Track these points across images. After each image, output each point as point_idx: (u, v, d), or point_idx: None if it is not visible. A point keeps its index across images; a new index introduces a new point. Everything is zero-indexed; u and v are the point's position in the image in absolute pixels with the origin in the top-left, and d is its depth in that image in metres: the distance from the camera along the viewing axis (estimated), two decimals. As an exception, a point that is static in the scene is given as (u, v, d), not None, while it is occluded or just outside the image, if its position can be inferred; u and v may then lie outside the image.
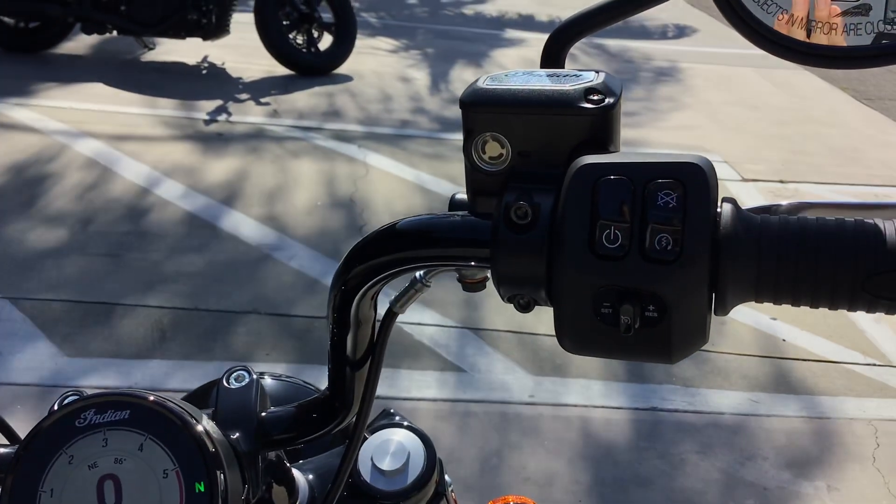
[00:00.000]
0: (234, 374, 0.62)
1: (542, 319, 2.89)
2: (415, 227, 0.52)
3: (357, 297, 0.55)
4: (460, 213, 0.51)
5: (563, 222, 0.44)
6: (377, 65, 5.84)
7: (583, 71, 0.49)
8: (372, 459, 0.70)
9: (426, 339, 2.74)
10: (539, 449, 2.29)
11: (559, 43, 0.58)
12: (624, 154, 0.45)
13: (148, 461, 0.50)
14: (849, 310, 0.42)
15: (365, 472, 0.69)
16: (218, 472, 0.50)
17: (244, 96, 4.96)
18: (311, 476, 0.69)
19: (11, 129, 4.17)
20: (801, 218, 0.43)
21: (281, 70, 5.35)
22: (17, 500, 0.50)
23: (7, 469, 0.51)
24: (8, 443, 0.63)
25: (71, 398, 0.53)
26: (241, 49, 5.68)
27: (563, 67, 0.55)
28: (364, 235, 0.54)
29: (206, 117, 4.57)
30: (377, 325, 0.59)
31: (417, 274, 0.58)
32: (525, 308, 0.48)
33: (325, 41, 5.43)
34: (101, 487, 0.49)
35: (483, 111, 0.48)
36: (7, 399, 2.31)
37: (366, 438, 0.72)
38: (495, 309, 2.92)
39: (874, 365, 2.78)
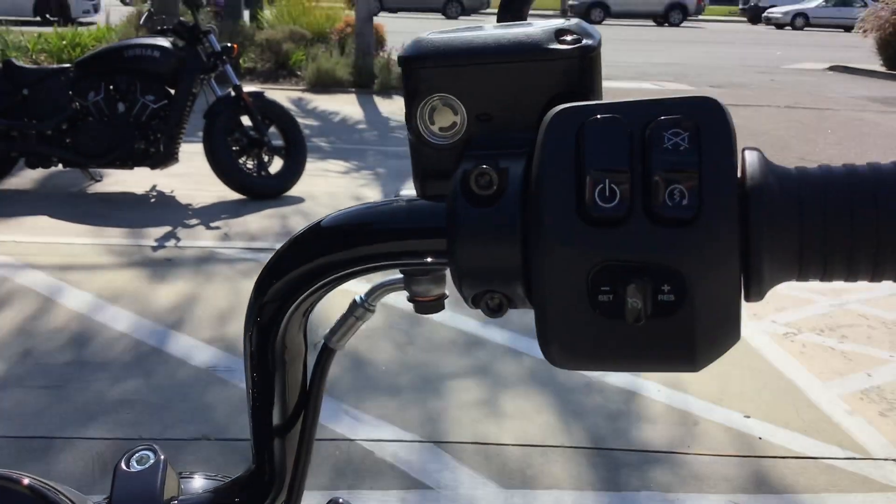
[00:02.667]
0: (136, 455, 0.50)
1: (507, 428, 2.76)
2: (343, 222, 0.40)
3: (279, 331, 0.44)
4: (406, 197, 0.40)
5: (541, 183, 0.33)
6: (329, 186, 5.83)
7: (550, 19, 0.40)
8: (317, 561, 0.58)
9: (388, 455, 2.58)
10: (514, 568, 2.13)
11: None
12: (614, 101, 0.35)
13: None
14: None
15: (309, 576, 0.58)
16: None
17: (194, 221, 4.89)
18: None
19: (-51, 264, 4.02)
20: (847, 166, 0.33)
21: (232, 195, 5.31)
22: None
23: None
24: None
25: None
26: (191, 176, 5.65)
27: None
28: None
29: (155, 244, 4.46)
30: (309, 368, 0.48)
31: (357, 298, 0.49)
32: (496, 311, 0.36)
33: (276, 165, 5.43)
34: None
35: (429, 66, 0.38)
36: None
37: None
38: (459, 421, 2.79)
39: (853, 458, 2.68)
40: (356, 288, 0.49)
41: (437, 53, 0.38)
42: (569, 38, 0.37)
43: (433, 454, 2.62)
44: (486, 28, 0.39)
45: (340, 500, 0.66)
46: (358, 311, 0.48)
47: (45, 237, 4.49)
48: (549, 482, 2.49)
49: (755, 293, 0.33)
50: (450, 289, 0.44)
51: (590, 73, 0.37)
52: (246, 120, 5.25)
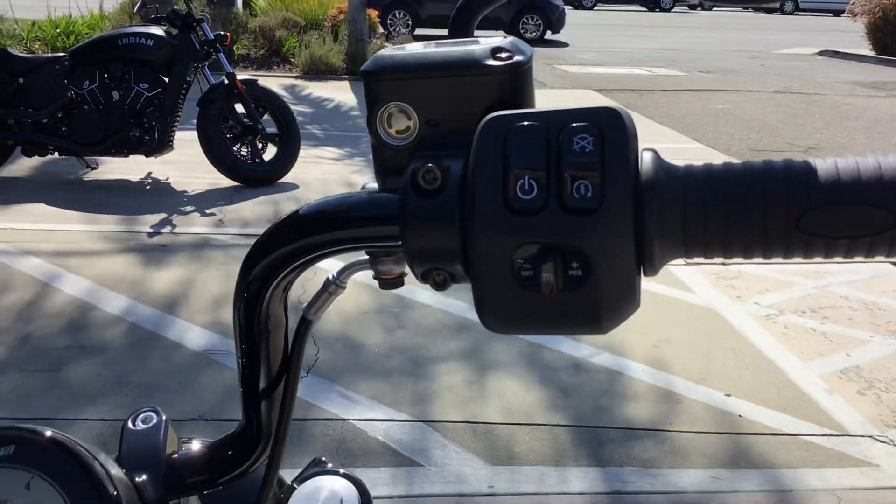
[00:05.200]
0: (141, 415, 0.58)
1: (494, 407, 2.84)
2: (316, 210, 0.48)
3: (263, 304, 0.51)
4: (367, 191, 0.48)
5: (475, 178, 0.40)
6: (322, 172, 5.89)
7: (491, 36, 0.47)
8: (301, 509, 0.65)
9: (380, 434, 2.66)
10: (500, 540, 2.21)
11: (469, 12, 0.56)
12: (537, 110, 0.42)
13: (36, 501, 0.46)
14: (784, 256, 0.39)
15: (294, 523, 0.65)
16: None
17: (189, 208, 4.95)
18: None
19: (-52, 251, 4.08)
20: (727, 164, 0.40)
21: (226, 182, 5.36)
22: None
23: None
24: None
25: None
26: (186, 164, 5.70)
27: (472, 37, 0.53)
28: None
29: (150, 230, 4.53)
30: (290, 339, 0.55)
31: (330, 275, 0.56)
32: (441, 286, 0.43)
33: (270, 152, 5.48)
34: None
35: (386, 79, 0.45)
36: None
37: (294, 489, 0.68)
38: (449, 401, 2.87)
39: (831, 435, 2.77)
40: (330, 266, 0.56)
41: (393, 67, 0.45)
42: (503, 55, 0.44)
43: (423, 433, 2.69)
44: (438, 45, 0.46)
45: (323, 459, 0.73)
46: (331, 287, 0.55)
47: (41, 224, 4.54)
48: (535, 459, 2.57)
49: (650, 269, 0.40)
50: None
51: (520, 85, 0.44)
52: (239, 107, 5.30)
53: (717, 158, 6.08)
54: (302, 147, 5.62)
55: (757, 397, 2.97)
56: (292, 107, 5.82)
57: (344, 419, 2.74)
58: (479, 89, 0.44)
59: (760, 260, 0.39)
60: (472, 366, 3.11)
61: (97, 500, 0.45)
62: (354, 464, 2.48)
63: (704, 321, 3.60)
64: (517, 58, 0.44)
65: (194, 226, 4.64)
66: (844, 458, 2.65)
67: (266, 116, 5.42)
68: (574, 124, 0.39)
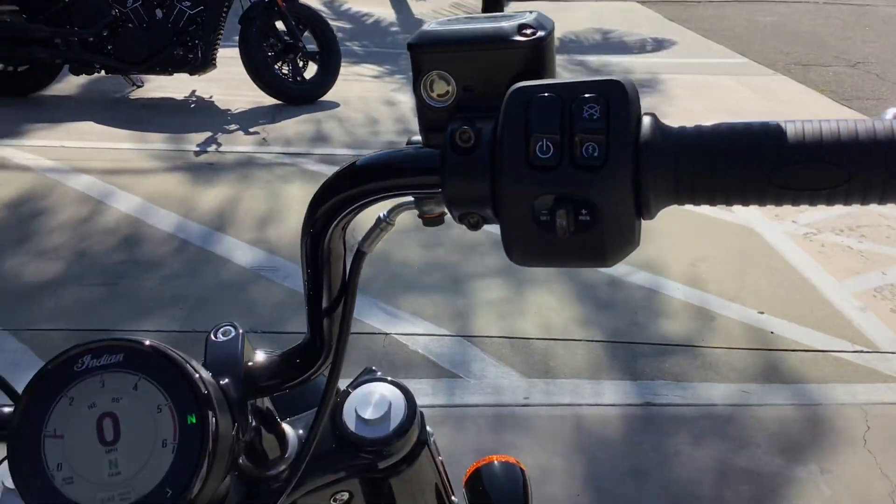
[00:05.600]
0: (221, 329, 0.66)
1: (531, 321, 2.94)
2: (371, 162, 0.56)
3: (326, 239, 0.59)
4: (413, 146, 0.56)
5: (502, 140, 0.48)
6: (362, 90, 5.92)
7: (519, 12, 0.54)
8: (356, 410, 0.74)
9: (420, 348, 2.78)
10: (535, 447, 2.33)
11: None
12: (555, 80, 0.50)
13: (143, 398, 0.54)
14: (759, 204, 0.46)
15: (350, 422, 0.74)
16: (208, 409, 0.55)
17: (233, 127, 5.03)
18: (300, 431, 0.73)
19: (5, 169, 4.22)
20: (714, 125, 0.47)
21: (268, 100, 5.43)
22: (24, 443, 0.54)
23: (12, 415, 0.55)
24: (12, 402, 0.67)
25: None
26: (228, 82, 5.76)
27: (502, 11, 0.60)
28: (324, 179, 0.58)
29: (196, 149, 4.63)
30: (348, 266, 0.63)
31: (381, 214, 0.63)
32: (475, 226, 0.52)
33: (311, 70, 5.52)
34: (100, 425, 0.53)
35: (429, 52, 0.53)
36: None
37: (349, 393, 0.77)
38: (488, 317, 2.97)
39: (862, 352, 2.83)
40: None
41: (435, 42, 0.53)
42: (528, 31, 0.51)
43: (462, 347, 2.81)
44: (474, 20, 0.54)
45: (373, 368, 0.82)
46: (382, 224, 0.63)
47: (91, 142, 4.67)
48: (570, 372, 2.68)
49: (647, 214, 0.48)
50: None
51: (542, 57, 0.52)
52: (280, 25, 5.32)
53: (764, 74, 5.97)
54: (342, 64, 5.65)
55: (790, 315, 3.03)
56: (332, 23, 5.82)
57: (387, 333, 2.86)
58: (507, 61, 0.52)
59: (740, 207, 0.46)
60: (510, 282, 3.20)
61: (192, 398, 0.54)
62: (396, 375, 2.60)
63: (741, 240, 3.64)
64: (540, 33, 0.51)
65: (238, 144, 4.73)
66: (874, 374, 2.72)
67: (306, 34, 5.43)
68: (584, 95, 0.47)
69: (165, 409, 0.54)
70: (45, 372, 0.55)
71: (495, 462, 0.97)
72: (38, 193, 3.93)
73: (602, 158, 0.46)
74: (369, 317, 2.94)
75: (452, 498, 0.88)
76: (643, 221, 0.49)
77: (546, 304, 3.06)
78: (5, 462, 0.71)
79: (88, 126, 4.95)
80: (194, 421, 0.54)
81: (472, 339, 2.85)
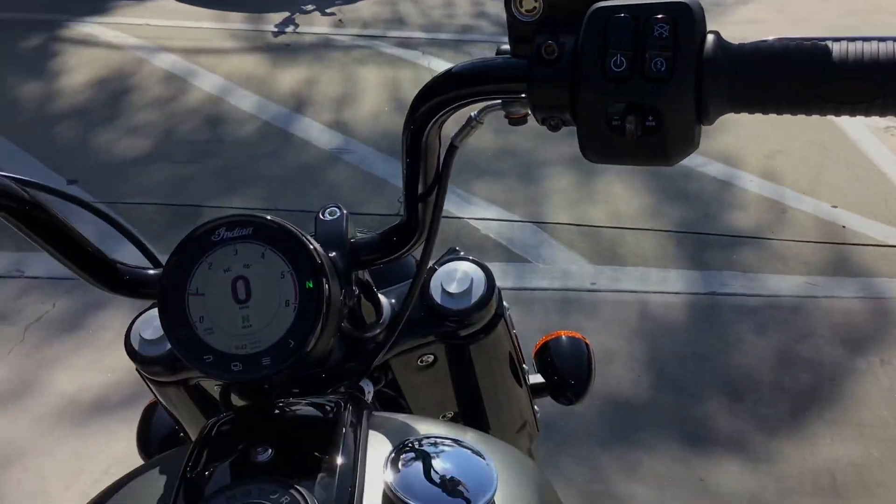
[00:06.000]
0: (328, 209, 0.75)
1: (602, 210, 2.99)
2: (467, 69, 0.64)
3: (424, 134, 0.67)
4: (502, 56, 0.63)
5: (582, 54, 0.55)
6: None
7: None
8: (441, 285, 0.84)
9: (492, 232, 2.87)
10: (600, 330, 2.43)
11: None
12: (630, 1, 0.56)
13: (269, 266, 0.64)
14: (806, 114, 0.53)
15: (436, 294, 0.83)
16: (322, 277, 0.64)
17: (310, 7, 5.05)
18: (393, 300, 0.83)
19: (93, 46, 4.36)
20: (769, 43, 0.53)
21: (344, -20, 5.40)
22: (171, 299, 0.64)
23: (160, 276, 0.65)
24: (152, 266, 0.78)
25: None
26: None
27: None
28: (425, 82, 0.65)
29: (275, 29, 4.68)
30: (441, 158, 0.71)
31: (472, 113, 0.70)
32: (555, 128, 0.59)
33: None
34: (234, 286, 0.64)
35: None
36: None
37: (435, 269, 0.85)
38: (558, 204, 3.03)
39: (935, 249, 2.81)
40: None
41: None
42: None
43: (532, 232, 2.89)
44: None
45: (457, 248, 0.91)
46: (473, 122, 0.69)
47: (175, 20, 4.75)
48: (638, 260, 2.74)
49: (706, 121, 0.55)
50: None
51: None
52: None
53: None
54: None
55: (864, 209, 3.01)
56: None
57: (460, 217, 2.95)
58: None
59: (789, 116, 0.53)
60: (581, 171, 3.24)
61: (310, 267, 0.63)
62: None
63: (820, 133, 3.58)
64: None
65: (315, 25, 4.76)
66: (945, 271, 2.71)
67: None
68: (655, 15, 0.54)
69: (288, 276, 0.64)
70: (188, 241, 0.65)
71: (563, 336, 1.06)
72: (126, 71, 4.06)
73: (669, 72, 0.53)
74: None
75: (523, 365, 0.97)
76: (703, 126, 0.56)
77: (617, 193, 3.10)
78: (142, 315, 0.83)
79: (171, 5, 5.02)
80: (311, 286, 0.64)
81: (542, 224, 2.92)
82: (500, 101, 0.65)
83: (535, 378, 1.03)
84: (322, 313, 0.63)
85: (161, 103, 3.76)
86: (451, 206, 3.00)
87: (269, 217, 0.65)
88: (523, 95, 0.60)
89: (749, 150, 3.40)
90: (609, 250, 2.79)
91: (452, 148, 0.70)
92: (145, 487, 0.64)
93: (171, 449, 1.00)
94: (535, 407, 1.02)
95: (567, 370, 1.04)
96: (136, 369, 0.84)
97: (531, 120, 0.65)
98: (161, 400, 0.87)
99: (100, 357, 2.37)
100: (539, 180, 3.19)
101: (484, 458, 0.60)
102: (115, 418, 2.16)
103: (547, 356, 1.05)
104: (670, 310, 2.52)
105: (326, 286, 0.64)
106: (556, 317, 2.48)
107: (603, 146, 0.57)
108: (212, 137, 3.48)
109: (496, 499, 0.57)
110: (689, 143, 0.56)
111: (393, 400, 0.90)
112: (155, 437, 1.01)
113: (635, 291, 2.60)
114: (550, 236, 2.87)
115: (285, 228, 0.65)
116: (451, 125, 0.68)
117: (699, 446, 2.09)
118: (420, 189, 0.71)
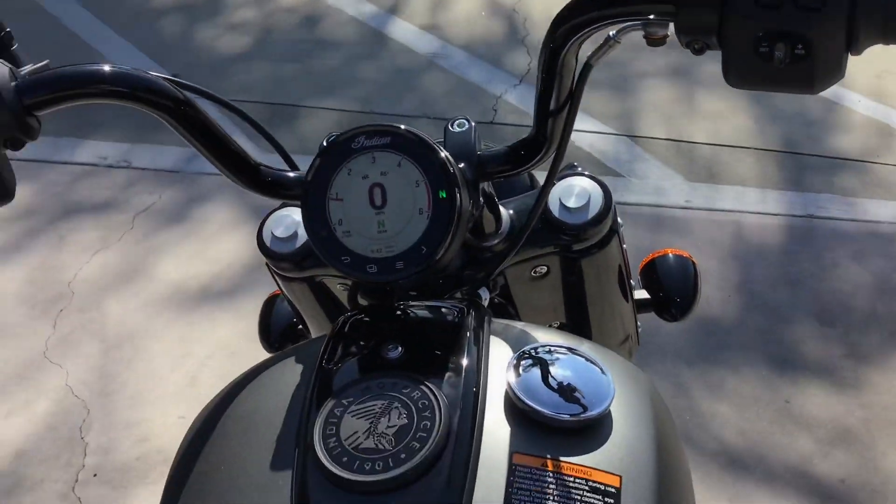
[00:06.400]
0: (457, 121, 0.77)
1: (700, 127, 2.93)
2: None
3: (562, 54, 0.68)
4: None
5: None
6: None
7: None
8: (560, 199, 0.86)
9: (585, 145, 2.85)
10: (692, 249, 2.41)
11: None
12: None
13: (405, 175, 0.67)
14: None
15: (554, 209, 0.85)
16: (455, 187, 0.67)
17: None
18: (512, 212, 0.86)
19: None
20: None
21: None
22: (313, 202, 0.68)
23: (303, 180, 0.69)
24: (290, 169, 0.82)
25: (332, 138, 0.70)
26: None
27: None
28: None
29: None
30: (576, 77, 0.72)
31: (611, 32, 0.71)
32: (699, 52, 0.60)
33: None
34: (371, 192, 0.67)
35: None
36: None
37: (554, 184, 0.87)
38: (655, 118, 2.98)
39: None
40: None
41: None
42: None
43: (627, 146, 2.86)
44: None
45: (576, 164, 0.92)
46: (610, 42, 0.70)
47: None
48: (735, 179, 2.70)
49: (854, 51, 0.55)
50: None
51: None
52: None
53: None
54: None
55: (979, 138, 2.88)
56: None
57: (554, 127, 2.92)
58: None
59: None
60: (681, 84, 3.16)
61: (444, 177, 0.66)
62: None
63: (938, 53, 3.40)
64: None
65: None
66: None
67: None
68: None
69: (422, 185, 0.67)
70: (330, 147, 0.69)
71: (670, 254, 1.07)
72: (225, -32, 4.09)
73: (822, 1, 0.53)
74: (538, 110, 3.00)
75: (631, 281, 1.00)
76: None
77: (717, 110, 3.02)
78: (273, 214, 0.88)
79: None
80: (445, 196, 0.66)
81: (637, 139, 2.89)
82: (641, 22, 0.66)
83: (641, 294, 1.05)
84: (454, 222, 0.66)
85: (261, 1, 3.78)
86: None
87: (405, 127, 0.68)
88: (670, 19, 0.60)
89: (858, 68, 3.24)
90: (705, 168, 2.75)
91: (588, 66, 0.70)
92: (281, 376, 0.69)
93: (289, 339, 1.07)
94: (638, 322, 1.04)
95: (673, 287, 1.05)
96: (266, 264, 0.89)
97: (636, 32, 0.65)
98: (287, 294, 0.92)
99: (204, 248, 2.48)
100: (636, 93, 3.13)
101: (601, 369, 0.63)
102: (218, 307, 2.27)
103: (653, 273, 1.06)
104: (765, 231, 2.49)
105: (459, 196, 0.66)
106: (647, 233, 2.47)
107: (748, 72, 0.57)
108: (308, 37, 3.50)
109: (612, 408, 0.60)
110: (836, 72, 0.56)
111: (503, 307, 0.94)
112: (276, 328, 1.08)
113: (730, 211, 2.57)
114: (645, 151, 2.83)
115: (421, 139, 0.67)
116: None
117: (786, 369, 2.09)
118: (552, 105, 0.72)
